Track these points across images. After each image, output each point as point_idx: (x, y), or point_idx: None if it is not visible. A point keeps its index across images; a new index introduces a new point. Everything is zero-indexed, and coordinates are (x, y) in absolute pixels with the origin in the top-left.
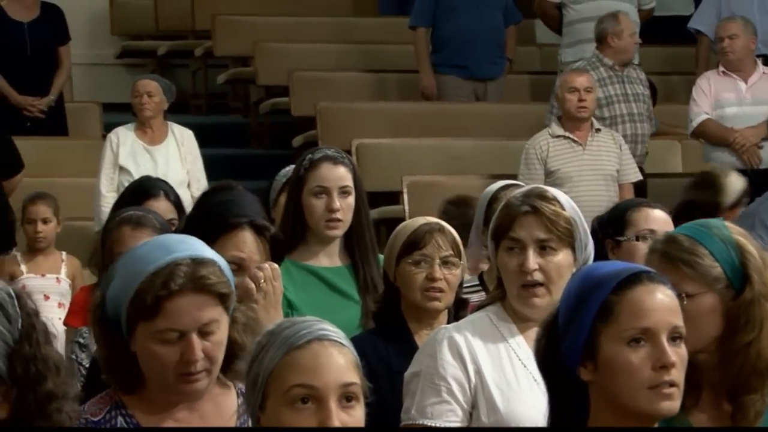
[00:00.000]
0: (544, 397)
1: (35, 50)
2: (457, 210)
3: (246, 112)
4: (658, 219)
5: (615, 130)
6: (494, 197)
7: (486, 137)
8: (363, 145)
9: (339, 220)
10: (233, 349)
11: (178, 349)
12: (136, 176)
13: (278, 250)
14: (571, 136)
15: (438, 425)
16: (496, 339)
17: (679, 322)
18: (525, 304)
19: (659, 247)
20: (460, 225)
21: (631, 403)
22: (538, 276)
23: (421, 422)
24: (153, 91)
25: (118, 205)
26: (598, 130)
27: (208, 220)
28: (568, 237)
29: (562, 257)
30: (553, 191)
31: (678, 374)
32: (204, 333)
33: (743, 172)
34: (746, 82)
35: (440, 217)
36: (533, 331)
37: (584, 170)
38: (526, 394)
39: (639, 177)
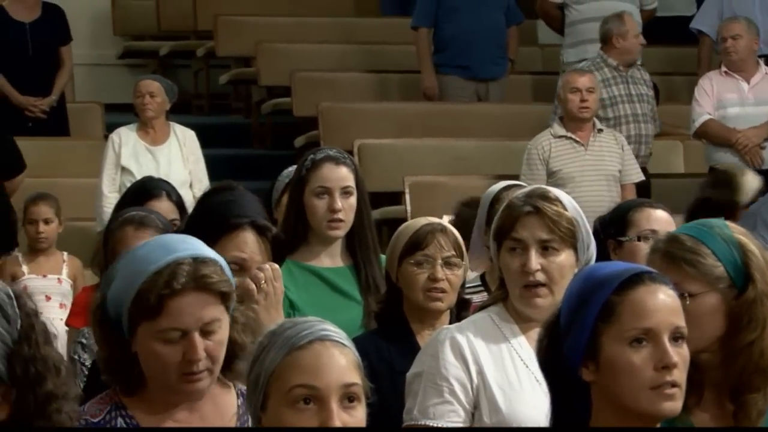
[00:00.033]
0: (546, 397)
1: (37, 50)
2: (471, 211)
3: (248, 113)
4: (659, 219)
5: (619, 130)
6: (496, 198)
7: (488, 138)
8: (365, 145)
9: (341, 221)
10: (233, 349)
11: (180, 349)
12: (138, 177)
13: (279, 250)
14: (573, 136)
15: (440, 425)
16: (498, 339)
17: (680, 322)
18: (527, 304)
19: (661, 246)
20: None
21: (633, 403)
22: (540, 276)
23: (423, 423)
24: (155, 92)
25: (121, 206)
26: (600, 130)
27: (210, 220)
28: (570, 237)
29: (565, 258)
30: (555, 192)
31: (680, 374)
32: (206, 332)
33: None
34: (748, 83)
35: (454, 219)
36: (535, 332)
37: (586, 171)
38: (528, 394)
39: (641, 177)
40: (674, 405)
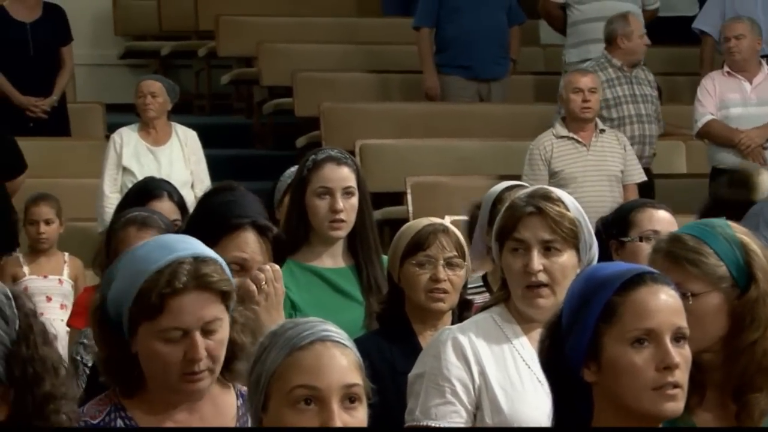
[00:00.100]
0: (548, 398)
1: (38, 50)
2: None
3: (249, 113)
4: (661, 220)
5: (623, 131)
6: (498, 198)
7: (490, 138)
8: (366, 145)
9: (342, 221)
10: (232, 350)
11: (181, 348)
12: (140, 177)
13: (280, 250)
14: (575, 136)
15: (442, 426)
16: (500, 340)
17: (682, 322)
18: (529, 305)
19: (664, 246)
20: None
21: (635, 404)
22: (542, 277)
23: (425, 423)
24: (157, 92)
25: (122, 206)
26: (602, 130)
27: (210, 220)
28: (572, 238)
29: (567, 258)
30: (557, 192)
31: (682, 375)
32: (207, 331)
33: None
34: (751, 83)
35: (468, 220)
36: (537, 332)
37: (588, 171)
38: (530, 395)
39: (643, 178)
40: (676, 406)
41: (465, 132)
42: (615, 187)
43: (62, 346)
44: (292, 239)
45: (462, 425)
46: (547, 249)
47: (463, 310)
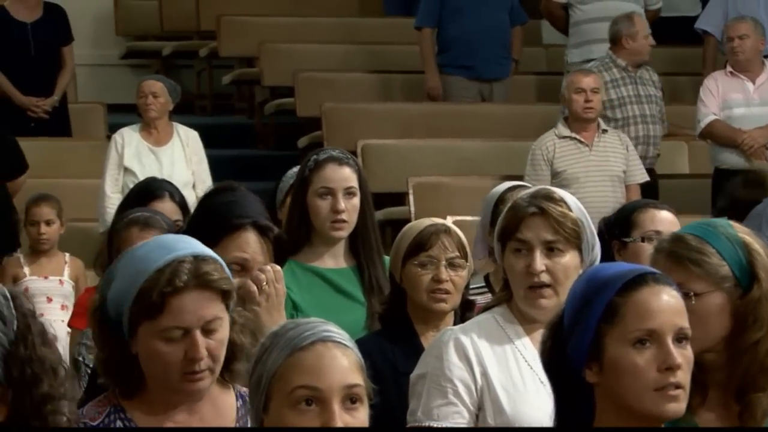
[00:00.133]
0: (551, 398)
1: (39, 50)
2: None
3: (251, 113)
4: (664, 220)
5: (627, 131)
6: (501, 198)
7: (492, 138)
8: (368, 146)
9: (344, 221)
10: (232, 350)
11: (182, 347)
12: (141, 177)
13: (281, 250)
14: (577, 137)
15: (444, 426)
16: (503, 340)
17: (684, 323)
18: (532, 305)
19: (666, 246)
20: None
21: (637, 404)
22: (545, 277)
23: (427, 424)
24: (158, 92)
25: (124, 207)
26: (604, 131)
27: (211, 221)
28: (575, 238)
29: (569, 259)
30: (560, 192)
31: (684, 376)
32: (207, 331)
33: (751, 173)
34: (754, 83)
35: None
36: (539, 333)
37: (591, 171)
38: (532, 395)
39: (646, 178)
40: (678, 406)
41: (467, 132)
42: (617, 187)
43: (62, 346)
44: (293, 239)
45: (464, 426)
46: (550, 249)
47: (465, 311)
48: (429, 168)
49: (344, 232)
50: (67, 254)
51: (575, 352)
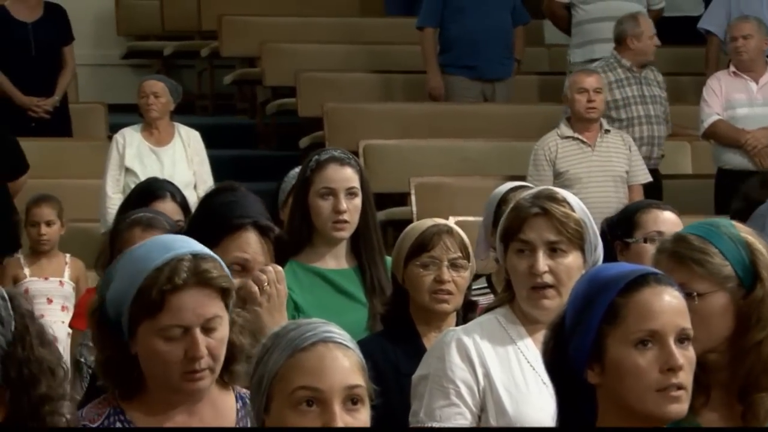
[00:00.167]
0: (553, 400)
1: (40, 50)
2: None
3: (252, 113)
4: (667, 221)
5: (631, 131)
6: (503, 199)
7: (494, 138)
8: (370, 146)
9: (346, 222)
10: (231, 352)
11: (182, 346)
12: (143, 178)
13: (282, 251)
14: (579, 137)
15: (446, 427)
16: (505, 341)
17: (686, 324)
18: (534, 306)
19: (668, 246)
20: None
21: (639, 405)
22: (548, 278)
23: (429, 425)
24: (159, 92)
25: (125, 207)
26: (607, 131)
27: (212, 221)
28: (578, 239)
29: (572, 259)
30: (563, 193)
31: (686, 377)
32: (207, 329)
33: (754, 173)
34: (757, 83)
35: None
36: (542, 334)
37: (593, 171)
38: (534, 396)
39: (649, 178)
40: (680, 407)
41: (469, 132)
42: (620, 187)
43: (63, 347)
44: (295, 240)
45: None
46: (553, 250)
47: (467, 312)
48: (431, 168)
49: (346, 233)
50: (68, 255)
51: (577, 353)
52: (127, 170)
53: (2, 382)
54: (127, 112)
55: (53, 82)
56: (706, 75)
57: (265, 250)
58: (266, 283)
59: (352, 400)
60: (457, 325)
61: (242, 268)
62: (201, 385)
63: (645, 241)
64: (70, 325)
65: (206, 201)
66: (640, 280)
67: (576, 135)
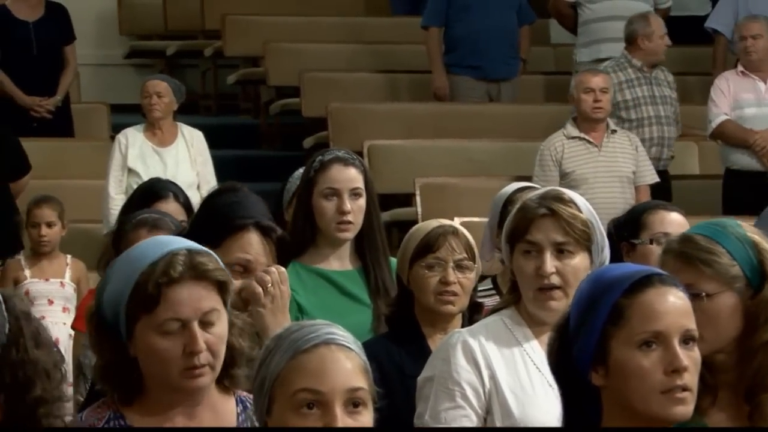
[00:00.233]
0: (559, 401)
1: (41, 50)
2: None
3: (256, 113)
4: (673, 222)
5: (641, 132)
6: (509, 200)
7: (500, 138)
8: (375, 146)
9: (350, 223)
10: (231, 355)
11: (180, 342)
12: (145, 178)
13: (285, 251)
14: (586, 137)
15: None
16: (511, 343)
17: (691, 324)
18: (541, 307)
19: (675, 247)
20: None
21: (644, 407)
22: (555, 279)
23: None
24: (162, 92)
25: (127, 208)
26: (614, 131)
27: (214, 221)
28: (585, 240)
29: (579, 260)
30: (569, 193)
31: (691, 378)
32: (205, 323)
33: (762, 174)
34: (765, 83)
35: None
36: (548, 335)
37: (599, 172)
38: (540, 398)
39: (656, 179)
40: (685, 409)
41: (474, 132)
42: (627, 188)
43: (65, 349)
44: (298, 241)
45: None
46: (560, 251)
47: (473, 313)
48: (436, 169)
49: (350, 234)
50: (69, 256)
51: (581, 355)
52: (130, 171)
53: None
54: (129, 112)
55: (55, 81)
56: (714, 75)
57: (267, 251)
58: (269, 284)
59: (353, 403)
60: (462, 326)
61: (244, 269)
62: (201, 382)
63: (651, 242)
64: (73, 327)
65: (208, 202)
66: (645, 281)
67: (582, 135)
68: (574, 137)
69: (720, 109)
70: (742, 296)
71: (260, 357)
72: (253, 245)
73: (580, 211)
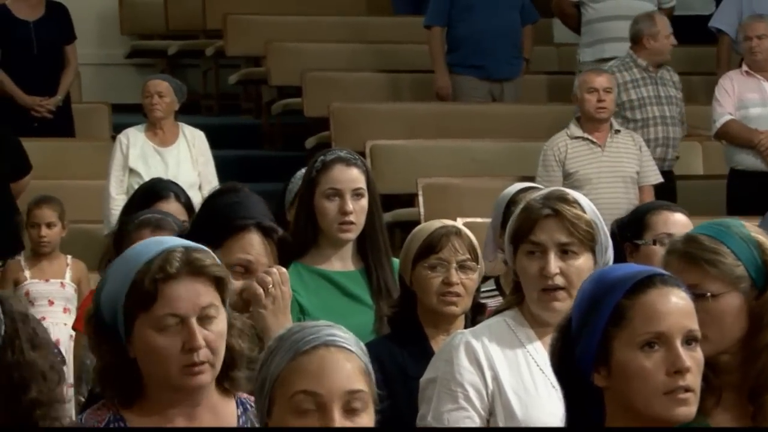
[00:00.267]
0: (562, 403)
1: (42, 49)
2: None
3: (258, 113)
4: (677, 223)
5: (646, 132)
6: (512, 200)
7: (502, 138)
8: (377, 146)
9: (352, 223)
10: (231, 357)
11: (179, 339)
12: (147, 178)
13: (286, 252)
14: (589, 137)
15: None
16: (514, 344)
17: (694, 325)
18: (545, 308)
19: (680, 247)
20: None
21: (646, 408)
22: (559, 280)
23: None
24: (164, 92)
25: (129, 208)
26: (617, 131)
27: (214, 222)
28: (589, 241)
29: (583, 261)
30: (573, 194)
31: (693, 379)
32: (203, 319)
33: (767, 174)
34: None
35: None
36: (551, 336)
37: (603, 172)
38: (544, 400)
39: (660, 179)
40: (688, 410)
41: (477, 132)
42: (630, 188)
43: (65, 350)
44: (300, 241)
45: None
46: (564, 252)
47: (476, 314)
48: (438, 169)
49: (352, 234)
50: (69, 257)
51: (583, 356)
52: (131, 171)
53: None
54: (130, 112)
55: (56, 81)
56: (718, 74)
57: (268, 252)
58: (270, 285)
59: (353, 405)
60: (465, 327)
61: (245, 269)
62: (201, 379)
63: (654, 243)
64: (74, 327)
65: (209, 202)
66: (647, 282)
67: (586, 135)
68: (577, 137)
69: (724, 108)
70: (747, 297)
71: (262, 358)
72: (255, 246)
73: (584, 212)
